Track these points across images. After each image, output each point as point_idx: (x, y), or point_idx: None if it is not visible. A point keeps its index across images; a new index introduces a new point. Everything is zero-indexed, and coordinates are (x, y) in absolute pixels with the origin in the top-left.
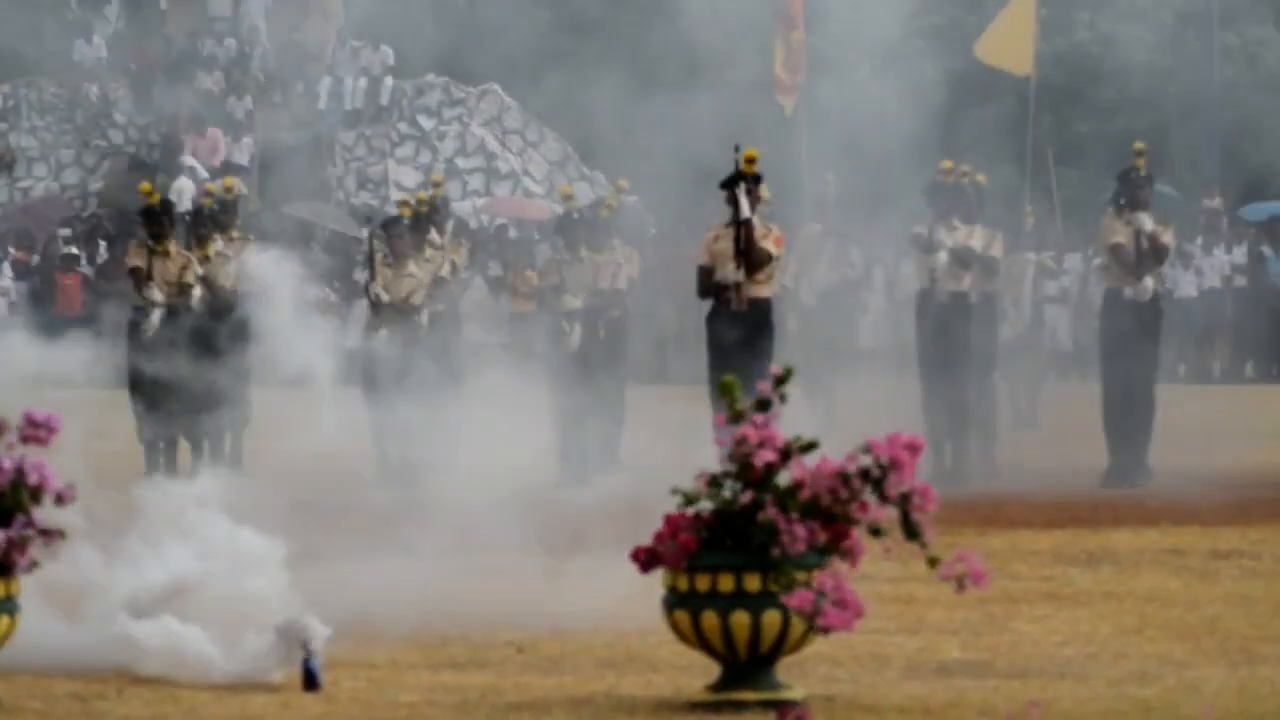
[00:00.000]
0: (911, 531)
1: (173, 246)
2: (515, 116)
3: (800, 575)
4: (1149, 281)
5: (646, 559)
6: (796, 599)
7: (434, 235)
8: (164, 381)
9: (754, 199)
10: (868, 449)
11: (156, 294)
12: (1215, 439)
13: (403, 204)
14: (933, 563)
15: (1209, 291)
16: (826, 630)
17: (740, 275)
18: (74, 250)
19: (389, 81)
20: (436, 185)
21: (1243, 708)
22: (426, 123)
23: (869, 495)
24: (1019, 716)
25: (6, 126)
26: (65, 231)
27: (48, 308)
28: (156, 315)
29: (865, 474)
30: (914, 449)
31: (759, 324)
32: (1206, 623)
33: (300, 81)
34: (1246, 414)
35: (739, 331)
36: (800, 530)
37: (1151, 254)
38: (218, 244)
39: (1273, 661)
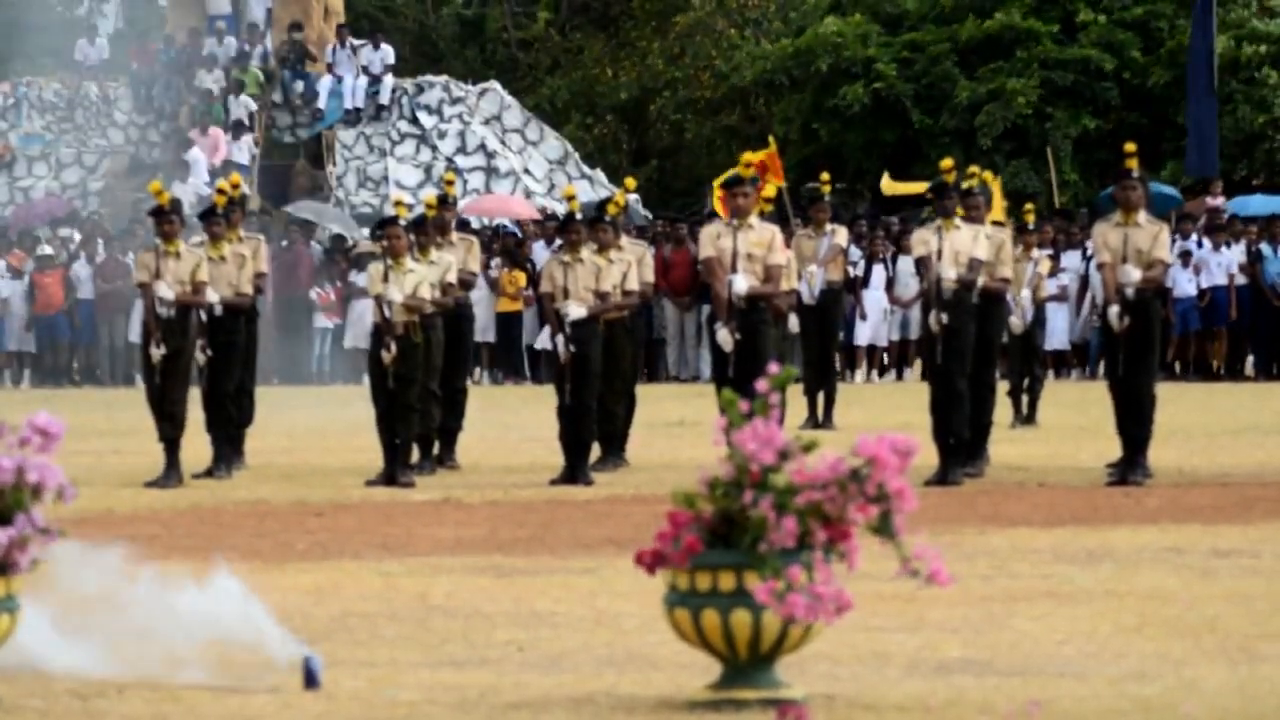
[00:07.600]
0: (886, 531)
1: (183, 246)
2: (515, 115)
3: (775, 565)
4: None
5: (652, 561)
6: (763, 590)
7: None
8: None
9: (752, 201)
10: (856, 450)
11: (167, 291)
12: (1215, 438)
13: (398, 204)
14: (903, 563)
15: (1209, 290)
16: (790, 620)
17: (741, 281)
18: (49, 251)
19: (389, 80)
20: (449, 184)
21: (1242, 706)
22: (427, 121)
23: (860, 497)
24: (1019, 715)
25: (6, 126)
26: (65, 231)
27: None
28: (170, 314)
29: (855, 474)
30: (902, 451)
31: (759, 323)
32: (1206, 621)
33: (300, 81)
34: (1246, 412)
35: (741, 332)
36: (789, 524)
37: (1141, 266)
38: (227, 245)
39: (1273, 660)
